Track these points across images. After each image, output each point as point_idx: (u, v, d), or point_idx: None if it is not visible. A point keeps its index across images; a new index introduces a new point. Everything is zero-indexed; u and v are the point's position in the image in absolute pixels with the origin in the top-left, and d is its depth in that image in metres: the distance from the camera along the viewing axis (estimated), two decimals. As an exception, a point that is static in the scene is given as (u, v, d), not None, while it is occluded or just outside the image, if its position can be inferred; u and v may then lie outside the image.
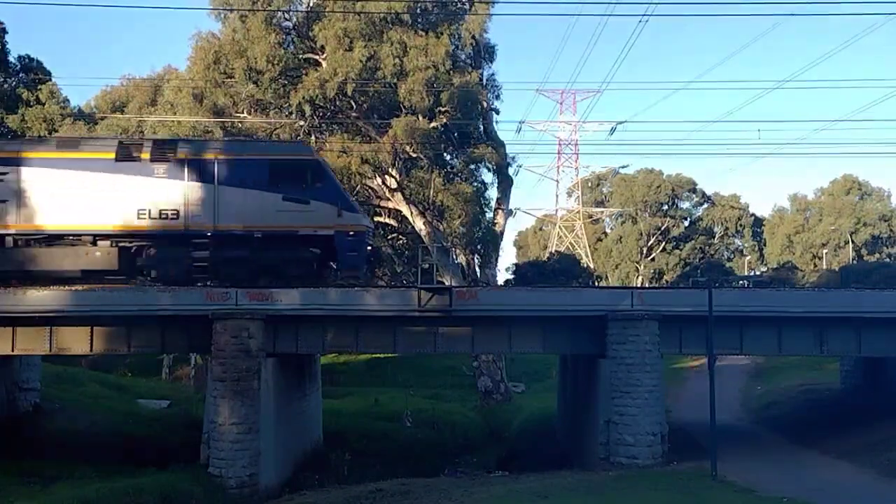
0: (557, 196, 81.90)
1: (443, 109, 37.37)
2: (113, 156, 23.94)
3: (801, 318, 23.91)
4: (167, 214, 23.69)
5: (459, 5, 39.37)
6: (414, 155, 38.70)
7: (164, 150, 24.37)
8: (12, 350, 23.87)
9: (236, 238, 23.79)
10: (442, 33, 36.65)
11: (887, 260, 68.72)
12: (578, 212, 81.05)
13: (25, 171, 23.65)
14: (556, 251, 69.64)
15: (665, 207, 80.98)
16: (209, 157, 24.05)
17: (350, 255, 23.88)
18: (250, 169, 23.97)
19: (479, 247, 41.32)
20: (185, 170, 23.82)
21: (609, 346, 23.03)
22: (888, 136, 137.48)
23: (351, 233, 23.93)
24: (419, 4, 37.03)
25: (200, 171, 23.83)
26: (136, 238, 23.94)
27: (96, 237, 23.84)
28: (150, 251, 24.05)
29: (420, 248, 22.73)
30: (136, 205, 23.65)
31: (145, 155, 23.99)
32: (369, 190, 40.94)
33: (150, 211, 23.67)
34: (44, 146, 25.18)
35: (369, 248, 23.84)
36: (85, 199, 23.56)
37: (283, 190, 23.73)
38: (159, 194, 23.73)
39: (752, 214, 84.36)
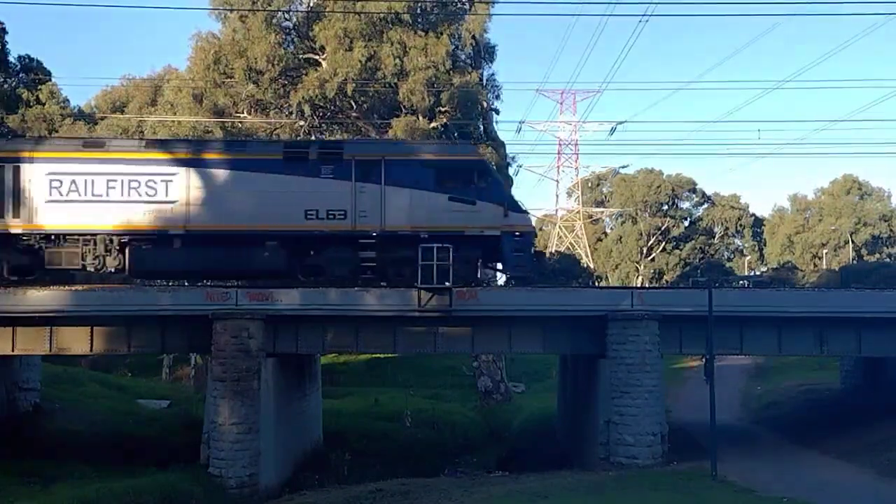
0: (557, 196, 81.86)
1: (443, 109, 37.39)
2: (281, 156, 24.02)
3: (801, 318, 23.90)
4: (335, 215, 23.56)
5: (459, 5, 39.38)
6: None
7: (330, 151, 24.42)
8: (12, 350, 23.83)
9: (403, 238, 23.66)
10: (442, 33, 36.67)
11: (887, 260, 68.73)
12: (578, 212, 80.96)
13: (195, 172, 23.61)
14: (556, 251, 69.60)
15: (665, 207, 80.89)
16: (375, 158, 23.98)
17: (517, 255, 23.74)
18: (416, 169, 23.85)
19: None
20: (352, 170, 23.70)
21: (609, 346, 23.04)
22: (888, 136, 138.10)
23: (517, 233, 23.87)
24: (419, 4, 37.04)
25: (367, 172, 23.66)
26: (303, 238, 23.81)
27: (265, 237, 23.71)
28: (317, 252, 23.95)
29: (421, 247, 22.63)
30: (303, 205, 23.52)
31: (312, 156, 23.99)
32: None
33: (317, 211, 23.54)
34: (213, 147, 25.39)
35: (534, 249, 23.62)
36: (253, 199, 23.47)
37: (449, 190, 23.66)
38: (327, 195, 23.63)
39: (752, 214, 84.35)
